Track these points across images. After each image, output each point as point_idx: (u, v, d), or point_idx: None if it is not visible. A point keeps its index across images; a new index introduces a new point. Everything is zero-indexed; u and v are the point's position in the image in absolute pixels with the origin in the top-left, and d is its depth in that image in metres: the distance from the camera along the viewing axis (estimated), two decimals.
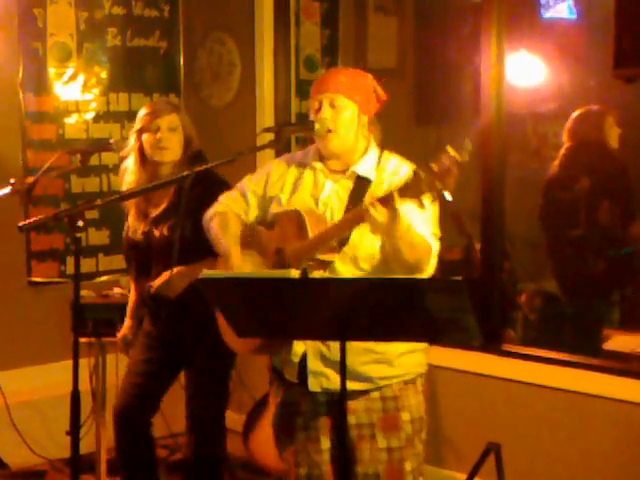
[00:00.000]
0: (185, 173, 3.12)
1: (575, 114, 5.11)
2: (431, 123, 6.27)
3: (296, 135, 5.19)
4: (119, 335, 4.20)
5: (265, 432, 4.78)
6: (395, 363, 3.07)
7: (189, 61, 5.78)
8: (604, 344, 4.45)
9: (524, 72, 5.51)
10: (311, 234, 2.96)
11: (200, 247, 3.43)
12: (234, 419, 5.54)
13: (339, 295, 2.60)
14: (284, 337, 3.01)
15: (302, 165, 3.18)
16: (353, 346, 2.93)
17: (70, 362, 3.15)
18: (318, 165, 3.12)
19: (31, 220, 3.30)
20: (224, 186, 3.86)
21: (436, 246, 2.97)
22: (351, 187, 3.06)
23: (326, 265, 2.95)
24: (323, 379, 3.06)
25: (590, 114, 5.12)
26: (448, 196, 2.59)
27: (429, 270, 2.93)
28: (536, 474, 4.30)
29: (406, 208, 2.72)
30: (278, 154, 5.30)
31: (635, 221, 5.08)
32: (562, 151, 5.17)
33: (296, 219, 3.01)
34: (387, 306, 2.57)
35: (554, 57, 5.65)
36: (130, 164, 3.99)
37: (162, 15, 5.66)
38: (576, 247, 5.18)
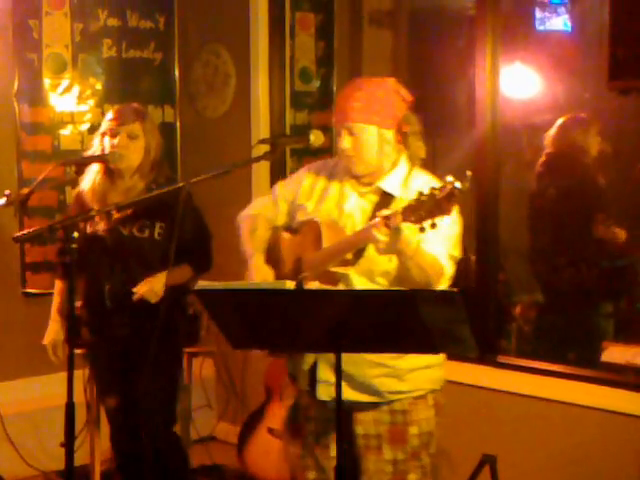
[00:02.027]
0: (181, 184, 3.15)
1: (558, 122, 5.11)
2: (425, 135, 6.26)
3: (291, 146, 5.20)
4: (48, 341, 4.12)
5: (260, 444, 4.79)
6: (405, 378, 3.06)
7: (184, 72, 5.78)
8: (599, 356, 4.45)
9: (519, 84, 5.51)
10: (325, 246, 2.96)
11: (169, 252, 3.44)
12: (228, 430, 5.54)
13: (334, 306, 2.60)
14: (279, 349, 3.02)
15: (332, 175, 3.18)
16: (365, 359, 2.95)
17: (64, 374, 3.15)
18: (346, 177, 3.12)
19: (26, 231, 3.30)
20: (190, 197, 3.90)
21: (450, 268, 2.96)
22: (376, 202, 3.04)
23: (341, 277, 2.94)
24: (332, 389, 3.06)
25: (572, 122, 5.12)
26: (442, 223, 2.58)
27: None
28: None
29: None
30: (273, 166, 5.34)
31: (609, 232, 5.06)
32: (542, 158, 5.16)
33: (315, 229, 3.02)
34: (383, 317, 2.57)
35: (549, 69, 5.66)
36: (94, 167, 4.02)
37: (157, 27, 5.66)
38: (545, 251, 5.20)
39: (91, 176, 4.02)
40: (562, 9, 6.12)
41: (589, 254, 5.06)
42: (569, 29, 6.10)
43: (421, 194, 2.56)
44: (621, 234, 4.99)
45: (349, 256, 2.93)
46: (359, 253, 2.93)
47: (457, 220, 2.99)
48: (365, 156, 3.01)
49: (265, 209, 3.29)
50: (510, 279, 5.48)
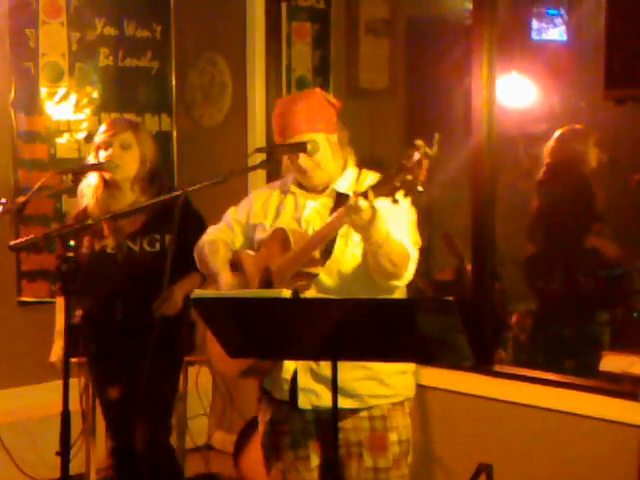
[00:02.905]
0: (178, 192, 3.16)
1: (556, 134, 5.12)
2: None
3: (287, 156, 5.20)
4: (56, 358, 4.11)
5: (256, 452, 4.77)
6: (386, 382, 3.08)
7: (181, 81, 5.78)
8: (595, 365, 4.45)
9: (515, 93, 5.52)
10: (294, 247, 2.97)
11: (181, 262, 3.45)
12: (225, 439, 5.54)
13: (330, 315, 2.60)
14: (275, 357, 3.01)
15: (283, 192, 3.23)
16: (346, 362, 2.94)
17: (60, 382, 3.14)
18: (297, 190, 3.17)
19: (22, 240, 3.30)
20: (189, 204, 3.92)
21: (415, 254, 2.98)
22: (331, 204, 3.08)
23: (312, 277, 2.96)
24: (313, 396, 3.06)
25: (570, 134, 5.12)
26: (420, 188, 2.58)
27: (407, 277, 2.95)
28: None
29: (385, 214, 2.74)
30: (269, 174, 5.34)
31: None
32: (541, 169, 5.17)
33: (280, 236, 3.04)
34: (379, 326, 2.57)
35: (545, 78, 5.67)
36: (92, 180, 4.02)
37: (154, 36, 5.67)
38: (542, 261, 5.20)
39: (91, 192, 4.00)
40: (559, 20, 6.13)
41: (586, 263, 5.06)
42: (565, 39, 6.11)
43: (390, 167, 2.58)
44: (617, 244, 4.99)
45: (317, 255, 2.94)
46: (326, 253, 2.96)
47: (411, 208, 3.03)
48: (322, 164, 3.06)
49: (222, 234, 3.30)
50: (506, 288, 5.48)
